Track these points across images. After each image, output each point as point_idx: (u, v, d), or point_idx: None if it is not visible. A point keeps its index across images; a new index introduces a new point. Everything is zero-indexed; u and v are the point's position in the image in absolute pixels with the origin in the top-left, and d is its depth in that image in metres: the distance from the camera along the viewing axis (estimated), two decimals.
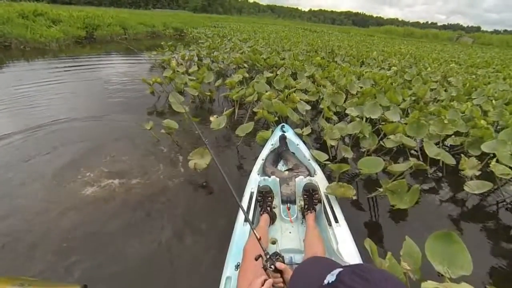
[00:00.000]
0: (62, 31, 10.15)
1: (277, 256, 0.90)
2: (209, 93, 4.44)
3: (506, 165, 2.40)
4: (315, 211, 1.72)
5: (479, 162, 2.55)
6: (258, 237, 0.99)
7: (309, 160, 2.31)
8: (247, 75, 5.33)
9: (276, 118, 3.37)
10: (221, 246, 1.52)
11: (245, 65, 6.31)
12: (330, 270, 0.51)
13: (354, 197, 1.80)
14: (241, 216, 1.61)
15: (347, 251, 1.37)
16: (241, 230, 1.51)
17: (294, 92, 4.04)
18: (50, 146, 2.83)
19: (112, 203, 2.11)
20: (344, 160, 2.89)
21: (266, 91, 4.04)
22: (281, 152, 2.46)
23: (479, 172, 2.49)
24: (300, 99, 3.76)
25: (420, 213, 2.26)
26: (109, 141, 3.05)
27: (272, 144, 2.53)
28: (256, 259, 0.90)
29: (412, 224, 2.11)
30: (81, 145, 2.89)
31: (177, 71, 5.17)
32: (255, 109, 3.66)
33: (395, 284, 0.44)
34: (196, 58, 7.32)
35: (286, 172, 2.11)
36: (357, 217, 2.15)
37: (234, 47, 8.84)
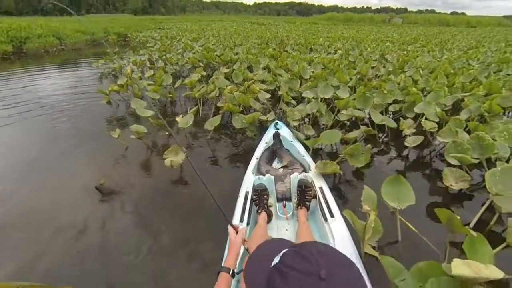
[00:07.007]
0: None
1: None
2: (170, 95, 4.44)
3: (433, 121, 2.95)
4: (307, 207, 1.73)
5: (414, 122, 3.07)
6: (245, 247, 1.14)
7: (303, 156, 2.30)
8: (204, 73, 5.40)
9: (241, 109, 3.55)
10: (219, 246, 1.54)
11: (200, 64, 6.33)
12: (279, 251, 0.51)
13: (341, 171, 1.95)
14: (236, 214, 1.61)
15: (344, 246, 1.36)
16: None
17: (253, 83, 4.26)
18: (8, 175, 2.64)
19: (89, 213, 2.09)
20: (308, 138, 3.21)
21: (227, 86, 4.19)
22: (276, 150, 2.48)
23: (415, 130, 2.99)
24: (260, 89, 3.99)
25: (375, 170, 2.68)
26: (75, 156, 2.94)
27: (266, 142, 2.52)
28: (234, 277, 0.94)
29: (370, 178, 2.50)
30: (46, 164, 2.75)
31: (132, 77, 5.02)
32: (219, 104, 3.80)
33: (330, 257, 0.47)
34: (148, 63, 7.09)
35: (281, 170, 2.10)
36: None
37: (185, 48, 8.72)
